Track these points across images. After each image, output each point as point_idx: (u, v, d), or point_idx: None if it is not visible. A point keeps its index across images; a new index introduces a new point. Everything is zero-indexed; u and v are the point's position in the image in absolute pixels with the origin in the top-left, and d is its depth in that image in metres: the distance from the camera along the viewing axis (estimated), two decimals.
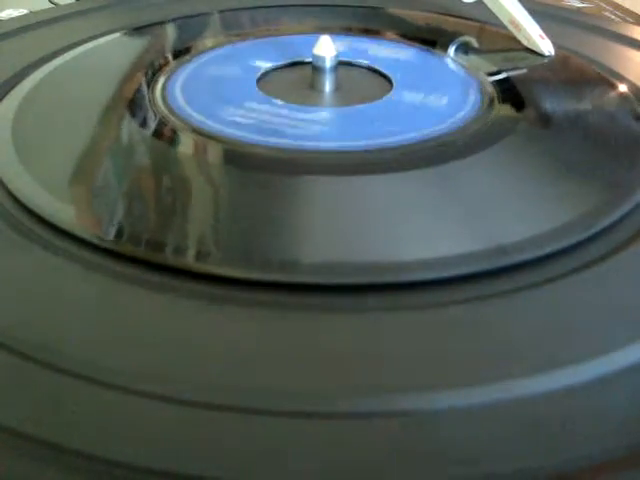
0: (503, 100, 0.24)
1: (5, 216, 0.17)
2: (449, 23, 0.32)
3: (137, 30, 0.30)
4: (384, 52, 0.28)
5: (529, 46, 0.28)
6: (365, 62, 0.27)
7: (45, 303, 0.14)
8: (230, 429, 0.12)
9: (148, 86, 0.24)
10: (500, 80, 0.25)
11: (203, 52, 0.27)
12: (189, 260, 0.16)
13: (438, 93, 0.24)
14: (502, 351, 0.13)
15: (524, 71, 0.27)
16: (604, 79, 0.26)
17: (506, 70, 0.26)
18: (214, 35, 0.30)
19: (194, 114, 0.22)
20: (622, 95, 0.25)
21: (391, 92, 0.24)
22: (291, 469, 0.11)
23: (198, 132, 0.21)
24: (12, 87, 0.24)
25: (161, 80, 0.24)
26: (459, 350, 0.13)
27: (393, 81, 0.25)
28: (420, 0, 0.35)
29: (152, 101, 0.23)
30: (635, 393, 0.13)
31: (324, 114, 0.23)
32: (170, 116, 0.22)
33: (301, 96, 0.24)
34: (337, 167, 0.19)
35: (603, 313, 0.14)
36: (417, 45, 0.29)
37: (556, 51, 0.28)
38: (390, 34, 0.31)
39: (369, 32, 0.31)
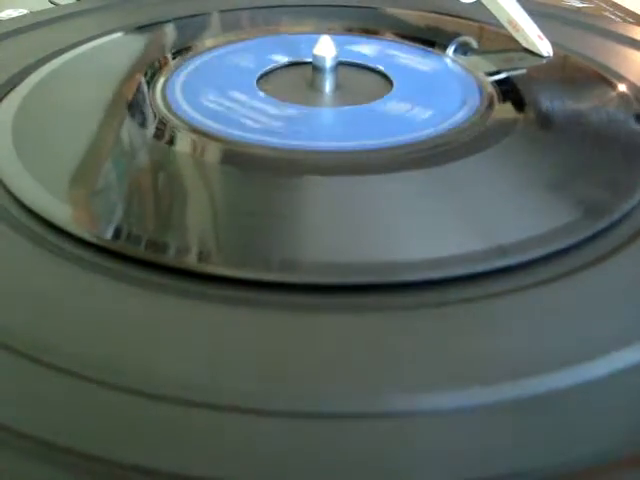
0: (502, 100, 0.24)
1: (5, 216, 0.17)
2: (448, 23, 0.32)
3: (137, 30, 0.30)
4: (384, 52, 0.28)
5: (527, 47, 0.28)
6: (365, 62, 0.27)
7: (43, 303, 0.14)
8: (229, 430, 0.12)
9: (148, 86, 0.24)
10: (499, 80, 0.25)
11: (203, 52, 0.27)
12: (188, 260, 0.16)
13: (437, 93, 0.24)
14: (502, 351, 0.13)
15: (523, 71, 0.27)
16: (604, 79, 0.26)
17: (505, 70, 0.26)
18: (214, 35, 0.30)
19: (194, 114, 0.22)
20: (622, 95, 0.25)
21: (391, 92, 0.24)
22: (290, 469, 0.11)
23: (198, 132, 0.21)
24: (12, 87, 0.24)
25: (161, 80, 0.25)
26: (459, 350, 0.13)
27: (393, 81, 0.25)
28: (420, 0, 0.35)
29: (152, 101, 0.23)
30: (635, 393, 0.13)
31: (324, 114, 0.23)
32: (170, 116, 0.22)
33: (301, 96, 0.24)
34: (337, 167, 0.19)
35: (603, 313, 0.15)
36: (417, 45, 0.29)
37: (556, 51, 0.28)
38: (390, 34, 0.31)
39: (369, 32, 0.31)
